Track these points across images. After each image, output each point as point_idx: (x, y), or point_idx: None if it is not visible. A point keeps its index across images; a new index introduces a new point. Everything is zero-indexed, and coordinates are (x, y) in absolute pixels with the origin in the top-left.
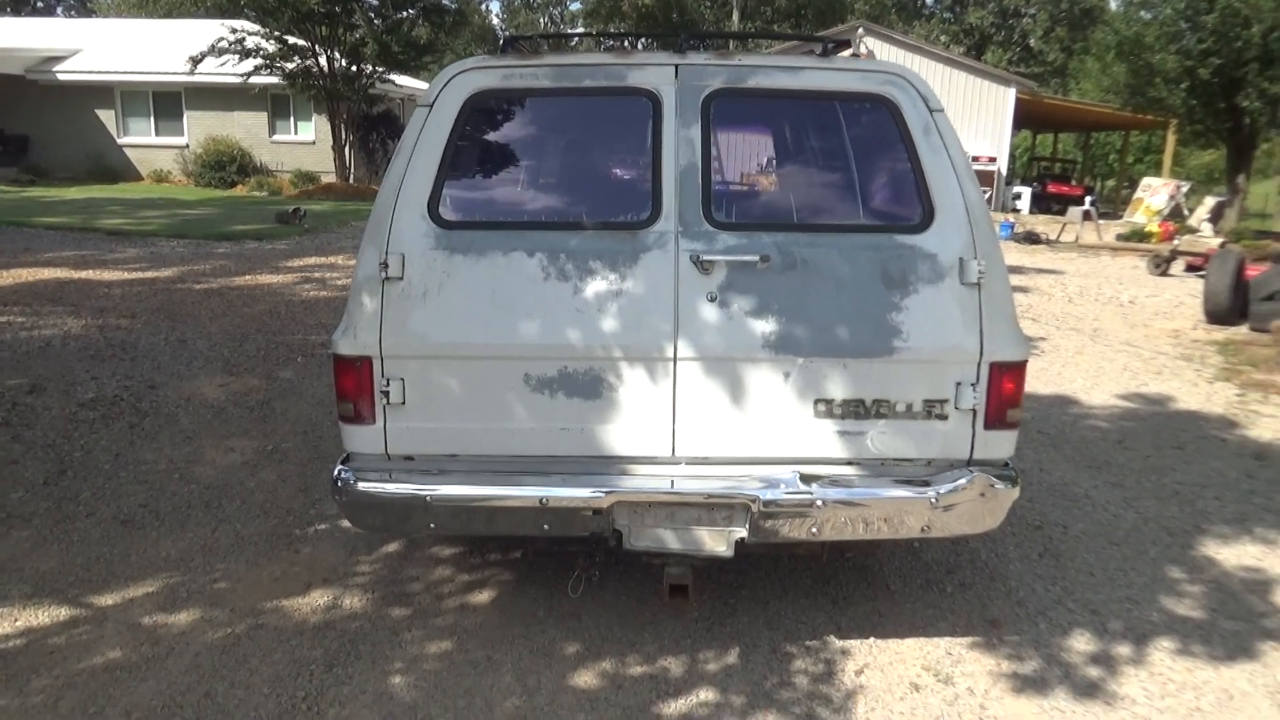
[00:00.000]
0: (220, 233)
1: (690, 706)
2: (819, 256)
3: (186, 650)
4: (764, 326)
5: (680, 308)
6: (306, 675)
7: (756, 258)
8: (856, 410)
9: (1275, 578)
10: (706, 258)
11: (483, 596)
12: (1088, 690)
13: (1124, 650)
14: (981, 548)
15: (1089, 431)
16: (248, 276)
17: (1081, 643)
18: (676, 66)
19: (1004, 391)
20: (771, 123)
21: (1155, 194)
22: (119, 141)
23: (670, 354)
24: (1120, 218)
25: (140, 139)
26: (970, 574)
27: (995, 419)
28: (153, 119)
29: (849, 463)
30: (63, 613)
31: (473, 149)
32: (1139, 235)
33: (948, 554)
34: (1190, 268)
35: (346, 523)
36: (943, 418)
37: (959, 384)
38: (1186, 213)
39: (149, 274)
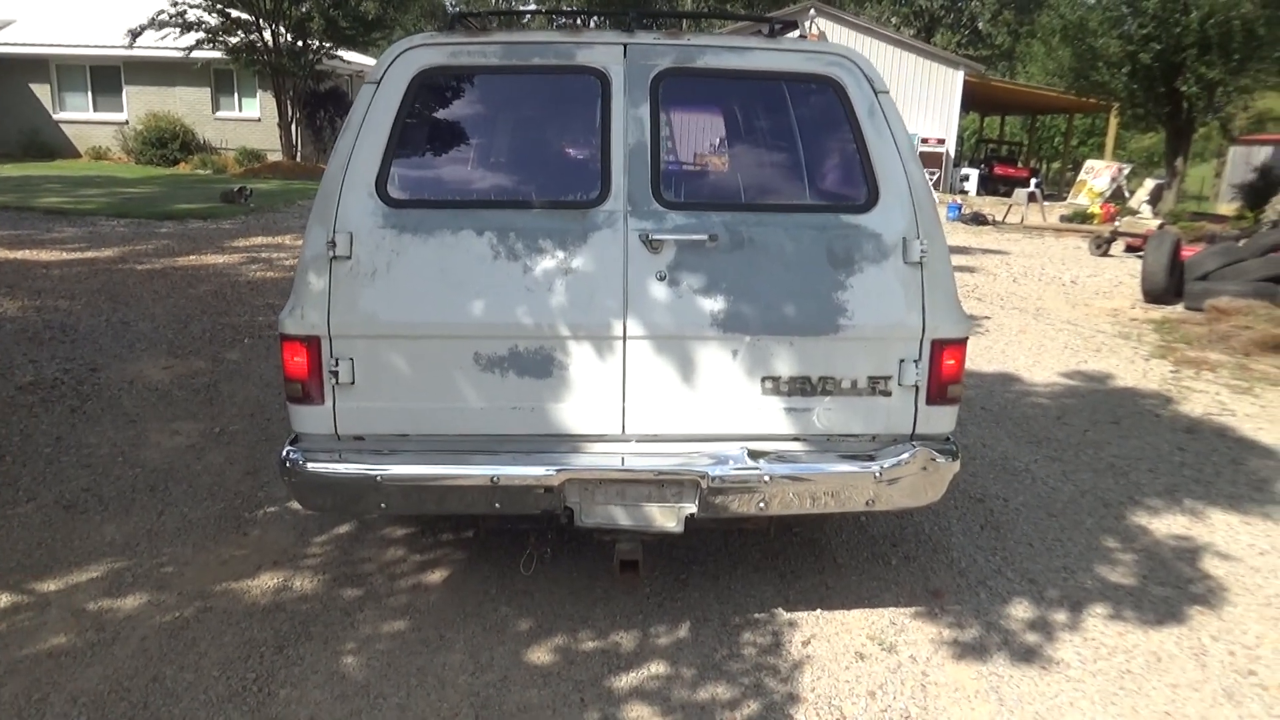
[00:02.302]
0: (163, 212)
1: (642, 679)
2: (766, 236)
3: (133, 635)
4: (712, 305)
5: (629, 286)
6: (257, 657)
7: (705, 237)
8: (803, 387)
9: (1203, 545)
10: (655, 237)
11: (435, 576)
12: (1025, 656)
13: (1060, 617)
14: (925, 521)
15: (1030, 408)
16: (192, 257)
17: (1020, 610)
18: (625, 45)
19: (945, 368)
20: (720, 103)
21: (1098, 176)
22: (55, 117)
23: (620, 332)
24: (1064, 199)
25: (77, 114)
26: (914, 546)
27: (937, 395)
28: (90, 94)
29: (796, 439)
30: (3, 599)
31: (421, 127)
32: (1082, 217)
33: (893, 527)
34: (1130, 248)
35: (296, 505)
36: (886, 394)
37: (902, 361)
38: (1127, 195)
39: (89, 254)
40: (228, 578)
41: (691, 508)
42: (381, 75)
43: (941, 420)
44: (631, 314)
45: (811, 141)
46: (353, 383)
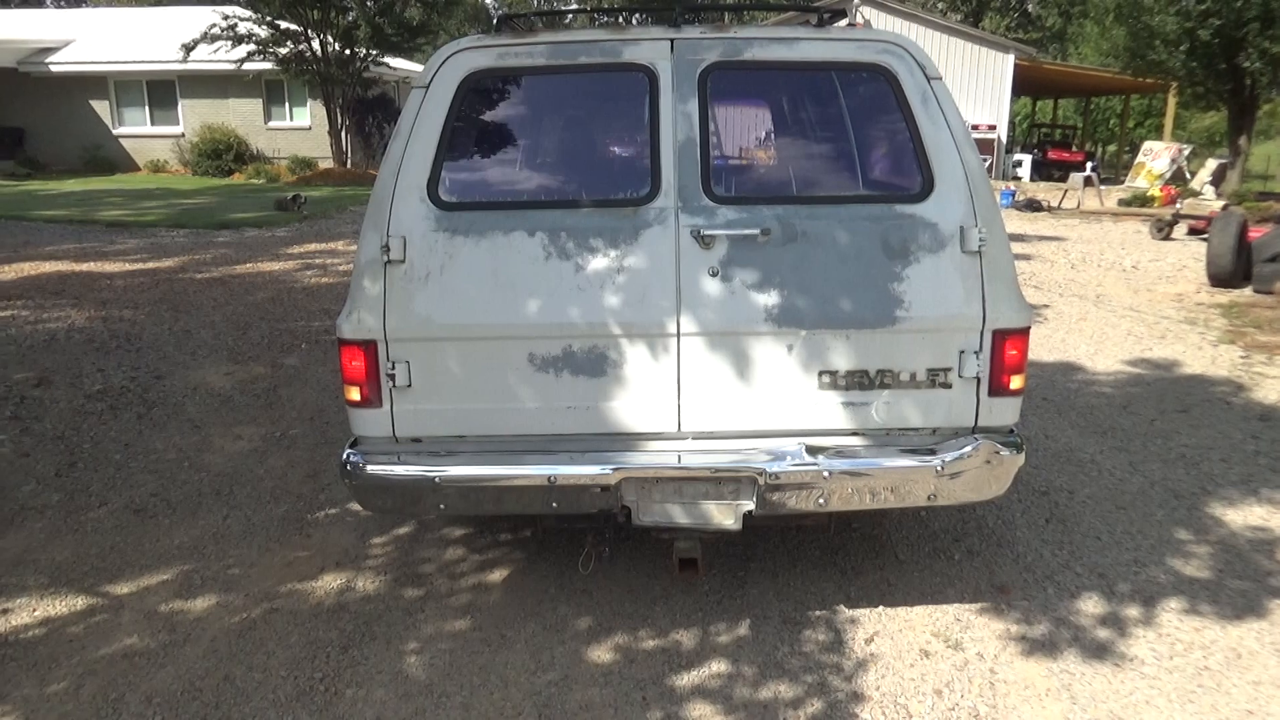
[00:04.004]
0: (220, 221)
1: (703, 678)
2: (819, 228)
3: (203, 636)
4: (766, 300)
5: (682, 283)
6: (323, 657)
7: (757, 231)
8: (861, 381)
9: None
10: (707, 232)
11: (494, 575)
12: (1096, 652)
13: (1132, 612)
14: (988, 515)
15: (1094, 397)
16: (249, 264)
17: (1089, 606)
18: (672, 41)
19: (1007, 358)
20: (769, 95)
21: (1157, 158)
22: (114, 132)
23: (673, 329)
24: (1122, 183)
25: (136, 129)
26: (978, 541)
27: (999, 386)
28: (148, 108)
29: (854, 433)
30: (80, 602)
31: (470, 129)
32: (1141, 200)
33: (955, 522)
34: (1193, 231)
35: (357, 506)
36: (947, 386)
37: (962, 352)
38: (1188, 176)
39: (150, 264)
40: (292, 579)
41: (749, 505)
42: (430, 79)
43: (1004, 412)
44: (685, 311)
45: (863, 131)
46: (409, 385)
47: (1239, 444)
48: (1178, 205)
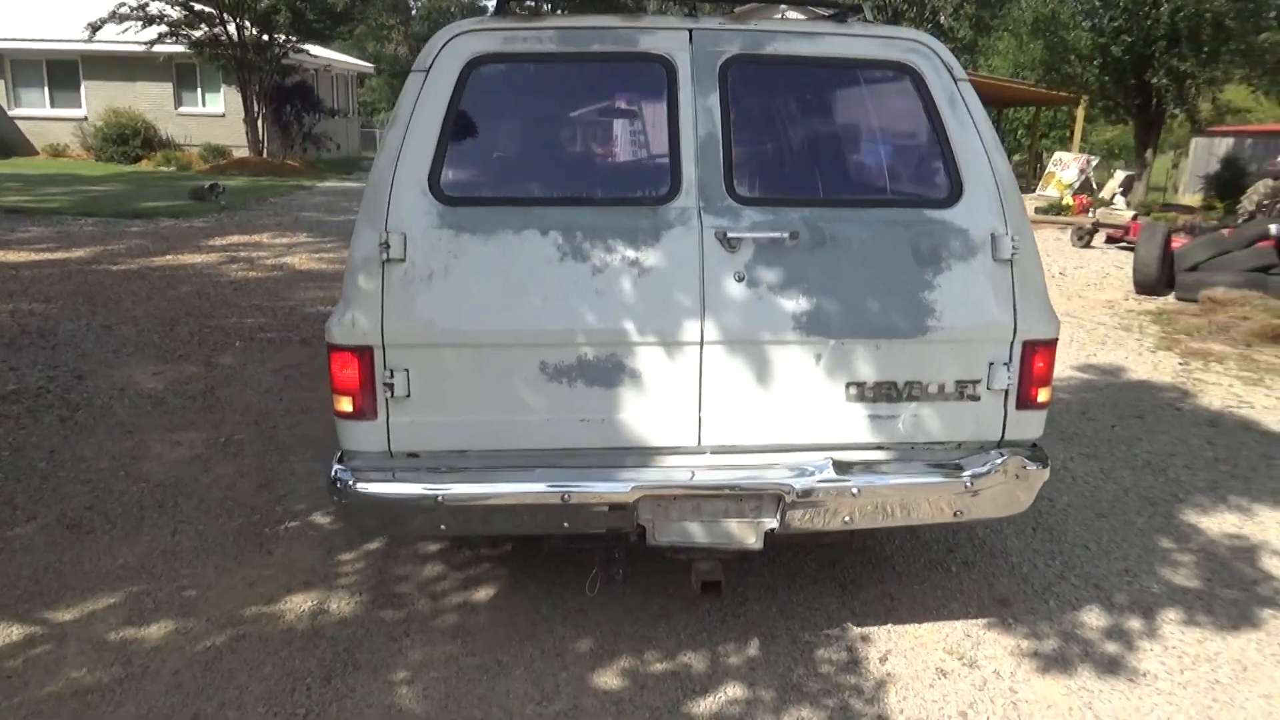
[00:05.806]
0: (131, 210)
1: (721, 704)
2: (848, 232)
3: (164, 668)
4: (794, 307)
5: (706, 288)
6: (303, 690)
7: (785, 234)
8: (889, 393)
9: (1258, 544)
10: (733, 235)
11: (480, 594)
12: (1110, 668)
13: (1135, 624)
14: (977, 524)
15: (1052, 403)
16: (168, 256)
17: (1093, 618)
18: (690, 31)
19: (1036, 370)
20: (792, 91)
21: (1066, 168)
22: (10, 113)
23: (696, 337)
24: (1032, 191)
25: (33, 110)
26: (970, 551)
27: (1027, 399)
28: (47, 89)
29: (879, 447)
30: (14, 631)
31: (476, 118)
32: (1056, 208)
33: (945, 533)
34: (1111, 239)
35: (319, 519)
36: (975, 399)
37: (992, 364)
38: (1095, 186)
39: (59, 255)
40: (257, 601)
41: (772, 523)
42: (431, 63)
43: (1030, 425)
44: (709, 317)
45: (889, 132)
46: (408, 395)
47: (1197, 450)
48: (1092, 214)
